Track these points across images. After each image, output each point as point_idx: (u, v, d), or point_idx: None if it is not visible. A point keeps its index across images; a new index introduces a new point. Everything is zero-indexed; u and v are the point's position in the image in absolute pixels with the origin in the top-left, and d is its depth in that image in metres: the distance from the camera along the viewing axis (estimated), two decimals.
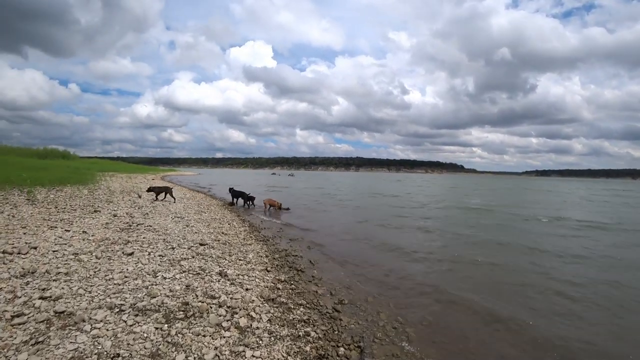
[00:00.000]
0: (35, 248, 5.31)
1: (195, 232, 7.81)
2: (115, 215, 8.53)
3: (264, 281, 5.23)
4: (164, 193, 13.30)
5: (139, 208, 10.30)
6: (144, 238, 6.57)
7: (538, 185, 66.57)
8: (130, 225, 7.60)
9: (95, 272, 4.54)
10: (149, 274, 4.66)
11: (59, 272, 4.41)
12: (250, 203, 16.45)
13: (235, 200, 16.86)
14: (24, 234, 6.09)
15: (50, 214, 7.87)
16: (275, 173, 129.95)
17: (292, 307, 4.37)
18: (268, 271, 5.83)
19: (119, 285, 4.19)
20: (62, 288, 3.98)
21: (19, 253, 5.02)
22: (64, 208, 8.74)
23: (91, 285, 4.11)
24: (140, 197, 13.09)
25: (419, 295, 5.50)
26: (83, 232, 6.59)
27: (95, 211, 8.79)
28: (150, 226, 7.71)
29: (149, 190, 12.88)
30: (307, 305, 4.54)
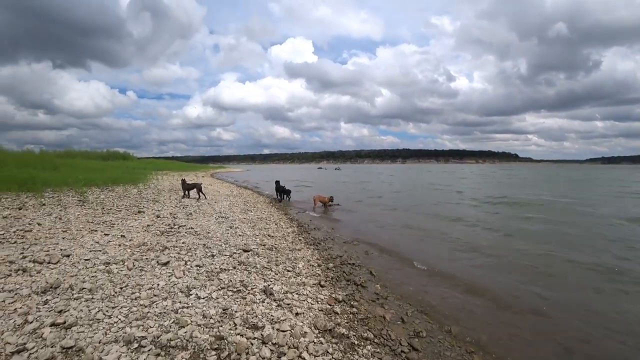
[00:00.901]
0: (68, 256, 4.88)
1: (239, 235, 7.12)
2: (158, 216, 8.17)
3: (317, 301, 4.28)
4: (195, 190, 12.89)
5: (183, 207, 9.96)
6: (182, 243, 5.97)
7: (608, 174, 58.39)
8: (171, 228, 7.11)
9: (122, 288, 3.91)
10: (182, 292, 3.92)
11: (83, 288, 3.83)
12: (286, 197, 16.52)
13: (279, 195, 16.81)
14: (63, 238, 5.77)
15: (95, 216, 7.67)
16: (321, 167, 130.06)
17: (356, 342, 3.37)
18: (322, 286, 4.88)
19: (145, 307, 3.48)
20: (80, 310, 3.35)
21: (49, 262, 4.59)
22: (110, 209, 8.59)
23: (113, 307, 3.44)
24: (188, 196, 12.94)
25: (536, 332, 4.14)
26: (122, 236, 6.17)
27: (139, 212, 8.53)
28: (192, 228, 7.17)
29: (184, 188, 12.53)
30: (375, 340, 3.50)
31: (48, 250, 5.09)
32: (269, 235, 7.53)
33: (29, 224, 6.56)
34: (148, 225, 7.16)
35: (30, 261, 4.58)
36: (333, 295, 4.57)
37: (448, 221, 11.21)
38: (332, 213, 12.90)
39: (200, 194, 12.87)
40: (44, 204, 8.48)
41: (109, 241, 5.81)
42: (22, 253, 4.89)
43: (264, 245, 6.60)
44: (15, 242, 5.39)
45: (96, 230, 6.41)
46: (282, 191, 16.74)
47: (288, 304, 3.97)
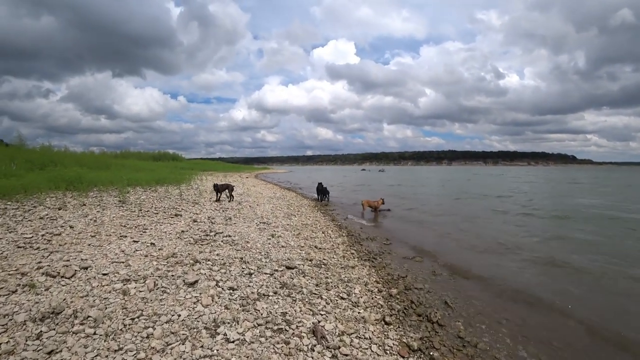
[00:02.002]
0: (86, 268, 4.24)
1: (282, 246, 6.18)
2: (194, 221, 7.53)
3: (385, 350, 3.15)
4: (226, 191, 12.18)
5: (223, 211, 9.32)
6: (217, 255, 5.16)
7: None
8: (207, 235, 6.37)
9: (133, 319, 3.09)
10: (207, 329, 3.02)
11: (88, 317, 3.08)
12: (325, 197, 16.54)
13: (320, 196, 16.83)
14: (89, 245, 5.22)
15: (129, 219, 7.19)
16: (365, 169, 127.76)
17: None
18: (387, 323, 3.74)
19: (155, 353, 2.58)
20: (75, 353, 2.53)
21: (62, 276, 3.95)
22: (147, 211, 8.13)
23: (115, 351, 2.58)
24: (228, 198, 12.41)
25: None
26: (151, 244, 5.50)
27: (176, 215, 7.97)
28: (229, 236, 6.37)
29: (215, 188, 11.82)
30: None
31: (68, 260, 4.50)
32: (316, 247, 6.52)
33: (62, 226, 6.17)
34: (182, 232, 6.48)
35: (43, 274, 3.97)
36: (404, 340, 3.42)
37: (521, 231, 9.47)
38: (383, 220, 11.63)
39: (230, 195, 12.16)
40: (84, 204, 8.23)
41: (136, 250, 5.15)
42: (40, 262, 4.33)
43: (310, 260, 5.58)
44: (38, 248, 4.90)
45: (126, 236, 5.83)
46: (322, 192, 16.75)
47: (347, 356, 2.88)
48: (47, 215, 6.83)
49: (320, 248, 6.51)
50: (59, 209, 7.46)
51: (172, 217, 7.71)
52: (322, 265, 5.42)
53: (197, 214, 8.46)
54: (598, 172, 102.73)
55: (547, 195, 22.66)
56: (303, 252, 6.01)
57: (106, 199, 9.13)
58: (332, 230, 8.58)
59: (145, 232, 6.27)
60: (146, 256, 4.92)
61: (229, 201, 11.76)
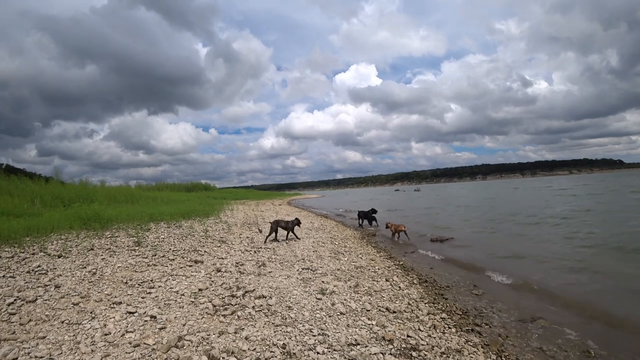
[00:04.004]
0: None
1: (341, 313, 4.22)
2: (218, 270, 5.80)
3: None
4: (286, 232, 10.22)
5: (255, 252, 7.57)
6: (245, 340, 3.32)
7: None
8: (233, 295, 4.58)
9: None
10: None
11: None
12: (372, 222, 15.82)
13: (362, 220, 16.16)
14: (62, 322, 3.58)
15: (137, 269, 5.59)
16: (398, 189, 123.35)
17: None
18: None
19: None
20: None
21: None
22: (162, 257, 6.53)
23: None
24: (261, 231, 10.72)
25: None
26: (151, 317, 3.76)
27: (195, 262, 6.28)
28: (264, 297, 4.53)
29: (272, 226, 9.85)
30: None
31: (29, 350, 2.84)
32: (388, 310, 4.48)
33: (45, 285, 4.69)
34: (200, 290, 4.72)
35: None
36: None
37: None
38: (449, 250, 9.36)
39: (294, 234, 10.24)
40: (92, 248, 6.79)
41: (127, 330, 3.44)
42: None
43: (390, 341, 3.56)
44: None
45: (121, 302, 4.15)
46: (366, 217, 16.01)
47: None
48: (38, 267, 5.38)
49: (394, 311, 4.46)
50: (59, 257, 6.04)
51: (190, 266, 6.02)
52: (413, 351, 3.38)
53: (222, 258, 6.73)
54: None
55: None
56: (374, 322, 4.00)
57: (120, 240, 7.70)
58: (397, 276, 6.47)
59: (150, 292, 4.57)
60: (137, 345, 3.17)
61: (290, 239, 10.00)
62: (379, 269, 6.92)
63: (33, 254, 6.12)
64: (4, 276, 4.96)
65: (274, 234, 9.72)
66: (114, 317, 3.74)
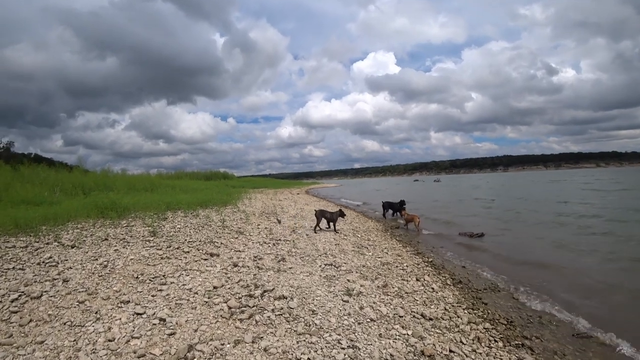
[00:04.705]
0: None
1: (371, 320, 3.73)
2: (235, 265, 5.39)
3: None
4: (327, 222, 9.98)
5: (274, 244, 7.14)
6: (264, 351, 2.86)
7: None
8: (250, 294, 4.14)
9: None
10: None
11: None
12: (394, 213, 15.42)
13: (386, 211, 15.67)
14: (64, 324, 3.24)
15: (150, 262, 5.26)
16: (417, 179, 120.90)
17: None
18: None
19: None
20: None
21: None
22: (177, 248, 6.20)
23: None
24: (279, 222, 10.30)
25: None
26: (160, 320, 3.38)
27: (211, 255, 5.89)
28: (284, 298, 4.08)
29: (317, 216, 9.72)
30: None
31: None
32: (422, 316, 3.95)
33: (54, 279, 4.40)
34: (214, 288, 4.32)
35: None
36: None
37: None
38: (480, 246, 8.69)
39: (333, 226, 9.99)
40: (106, 238, 6.54)
41: (133, 336, 3.06)
42: None
43: (431, 357, 3.04)
44: None
45: (129, 302, 3.78)
46: (392, 208, 15.53)
47: None
48: (49, 259, 5.12)
49: (431, 318, 3.93)
50: (72, 247, 5.79)
51: (205, 259, 5.64)
52: None
53: (240, 251, 6.33)
54: None
55: None
56: (409, 331, 3.49)
57: (136, 230, 7.44)
58: (428, 275, 5.88)
59: (161, 289, 4.20)
60: (142, 356, 2.77)
61: (327, 228, 9.95)
62: (407, 266, 6.38)
63: (47, 243, 5.90)
64: (13, 268, 4.72)
65: (321, 223, 9.76)
66: (120, 319, 3.37)
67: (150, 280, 4.52)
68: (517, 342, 3.67)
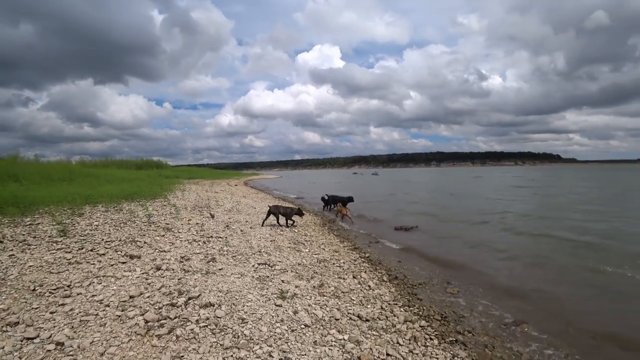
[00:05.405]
0: None
1: (305, 325, 3.53)
2: (158, 268, 4.82)
3: None
4: (283, 218, 9.59)
5: (204, 242, 6.61)
6: None
7: None
8: (172, 304, 3.68)
9: None
10: None
11: None
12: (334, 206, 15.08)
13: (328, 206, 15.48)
14: None
15: (53, 269, 4.49)
16: (356, 172, 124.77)
17: None
18: None
19: None
20: None
21: None
22: (91, 250, 5.41)
23: None
24: (213, 217, 9.67)
25: None
26: (57, 344, 2.83)
27: (131, 257, 5.22)
28: (211, 306, 3.70)
29: (269, 213, 9.33)
30: None
31: None
32: (359, 318, 3.86)
33: None
34: (131, 298, 3.77)
35: None
36: None
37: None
38: (415, 239, 9.09)
39: (289, 221, 9.62)
40: (1, 241, 5.46)
41: None
42: None
43: None
44: None
45: (18, 323, 3.10)
46: (334, 202, 15.14)
47: None
48: None
49: (367, 319, 3.86)
50: None
51: (123, 262, 4.96)
52: None
53: (165, 251, 5.70)
54: (587, 171, 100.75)
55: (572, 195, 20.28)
56: (345, 336, 3.36)
57: (42, 229, 6.37)
58: (365, 272, 5.88)
59: (64, 302, 3.55)
60: None
61: (287, 225, 9.53)
62: (344, 262, 6.34)
63: None
64: None
65: (271, 219, 9.41)
66: (2, 348, 2.72)
67: (50, 292, 3.80)
68: (451, 339, 3.77)
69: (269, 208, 9.46)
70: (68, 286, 3.98)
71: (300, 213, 9.82)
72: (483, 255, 7.63)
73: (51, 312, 3.36)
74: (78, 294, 3.79)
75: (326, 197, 15.54)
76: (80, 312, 3.39)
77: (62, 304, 3.54)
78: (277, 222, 9.39)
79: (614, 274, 6.11)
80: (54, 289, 3.88)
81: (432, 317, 4.34)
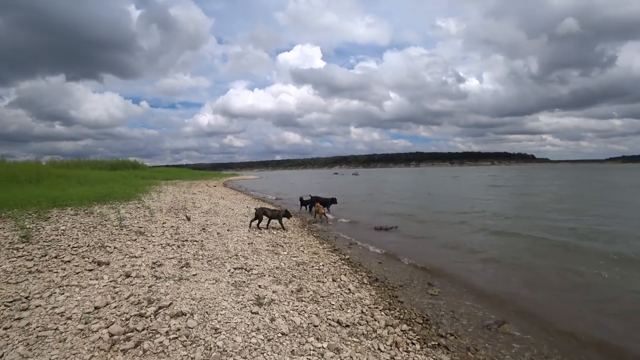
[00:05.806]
0: None
1: (282, 334, 3.38)
2: (127, 276, 4.54)
3: None
4: (269, 220, 9.48)
5: (179, 246, 6.34)
6: None
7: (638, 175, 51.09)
8: (140, 315, 3.45)
9: None
10: None
11: None
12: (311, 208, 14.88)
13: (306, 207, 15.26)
14: None
15: (9, 281, 4.15)
16: (337, 172, 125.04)
17: None
18: None
19: None
20: None
21: None
22: (55, 257, 5.05)
23: None
24: (189, 219, 9.33)
25: None
26: None
27: (99, 264, 4.90)
28: (182, 315, 3.50)
29: (256, 216, 9.11)
30: None
31: None
32: (338, 324, 3.74)
33: None
34: (96, 309, 3.51)
35: None
36: None
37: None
38: (395, 240, 9.09)
39: (279, 221, 9.51)
40: None
41: None
42: None
43: None
44: None
45: None
46: (307, 203, 15.23)
47: None
48: None
49: (347, 325, 3.74)
50: None
51: (90, 270, 4.65)
52: None
53: (136, 256, 5.40)
54: (559, 170, 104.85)
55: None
56: (324, 344, 3.23)
57: (2, 234, 5.92)
58: (344, 274, 5.78)
59: (21, 317, 3.25)
60: None
61: (282, 227, 9.47)
62: (323, 265, 6.21)
63: None
64: None
65: (258, 222, 9.15)
66: None
67: (5, 305, 3.48)
68: (433, 343, 3.71)
69: (255, 210, 9.27)
70: (26, 298, 3.67)
71: (287, 215, 9.68)
72: (463, 256, 7.67)
73: (4, 328, 3.07)
74: (37, 307, 3.49)
75: (306, 198, 15.42)
76: (37, 327, 3.11)
77: (18, 318, 3.24)
78: (258, 225, 9.15)
79: (589, 274, 6.25)
80: (10, 302, 3.56)
81: (413, 321, 4.28)
